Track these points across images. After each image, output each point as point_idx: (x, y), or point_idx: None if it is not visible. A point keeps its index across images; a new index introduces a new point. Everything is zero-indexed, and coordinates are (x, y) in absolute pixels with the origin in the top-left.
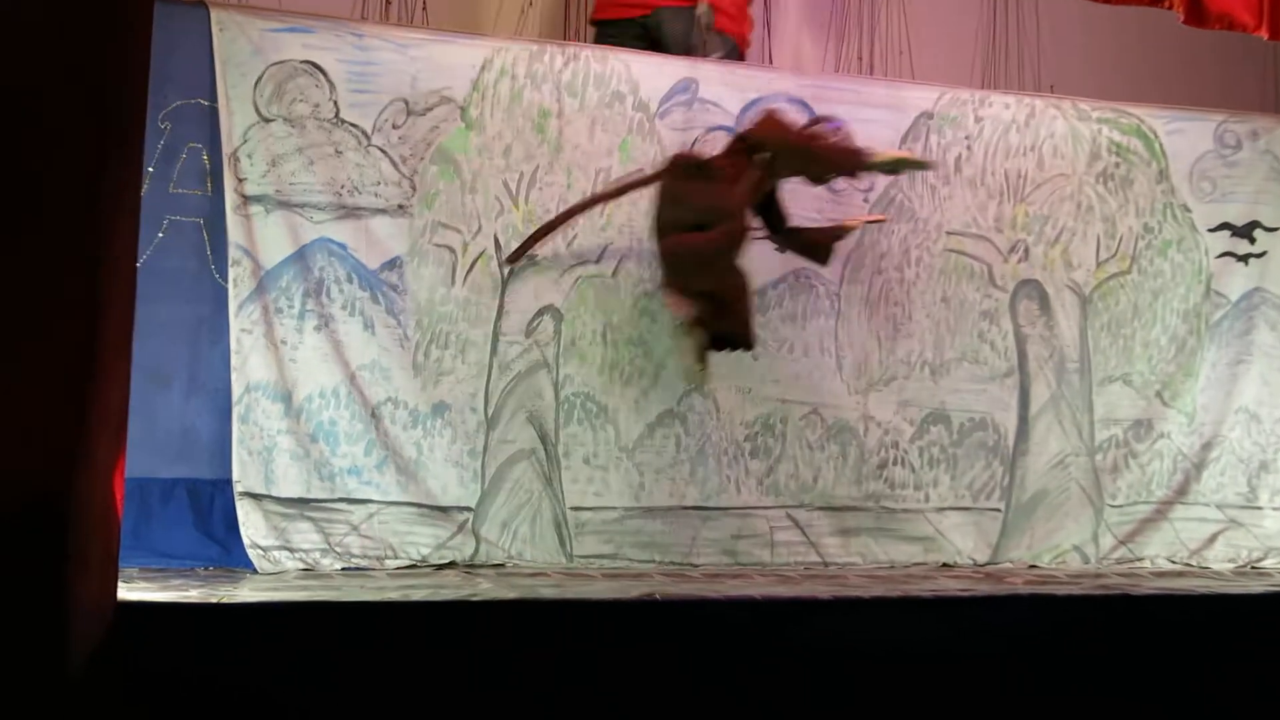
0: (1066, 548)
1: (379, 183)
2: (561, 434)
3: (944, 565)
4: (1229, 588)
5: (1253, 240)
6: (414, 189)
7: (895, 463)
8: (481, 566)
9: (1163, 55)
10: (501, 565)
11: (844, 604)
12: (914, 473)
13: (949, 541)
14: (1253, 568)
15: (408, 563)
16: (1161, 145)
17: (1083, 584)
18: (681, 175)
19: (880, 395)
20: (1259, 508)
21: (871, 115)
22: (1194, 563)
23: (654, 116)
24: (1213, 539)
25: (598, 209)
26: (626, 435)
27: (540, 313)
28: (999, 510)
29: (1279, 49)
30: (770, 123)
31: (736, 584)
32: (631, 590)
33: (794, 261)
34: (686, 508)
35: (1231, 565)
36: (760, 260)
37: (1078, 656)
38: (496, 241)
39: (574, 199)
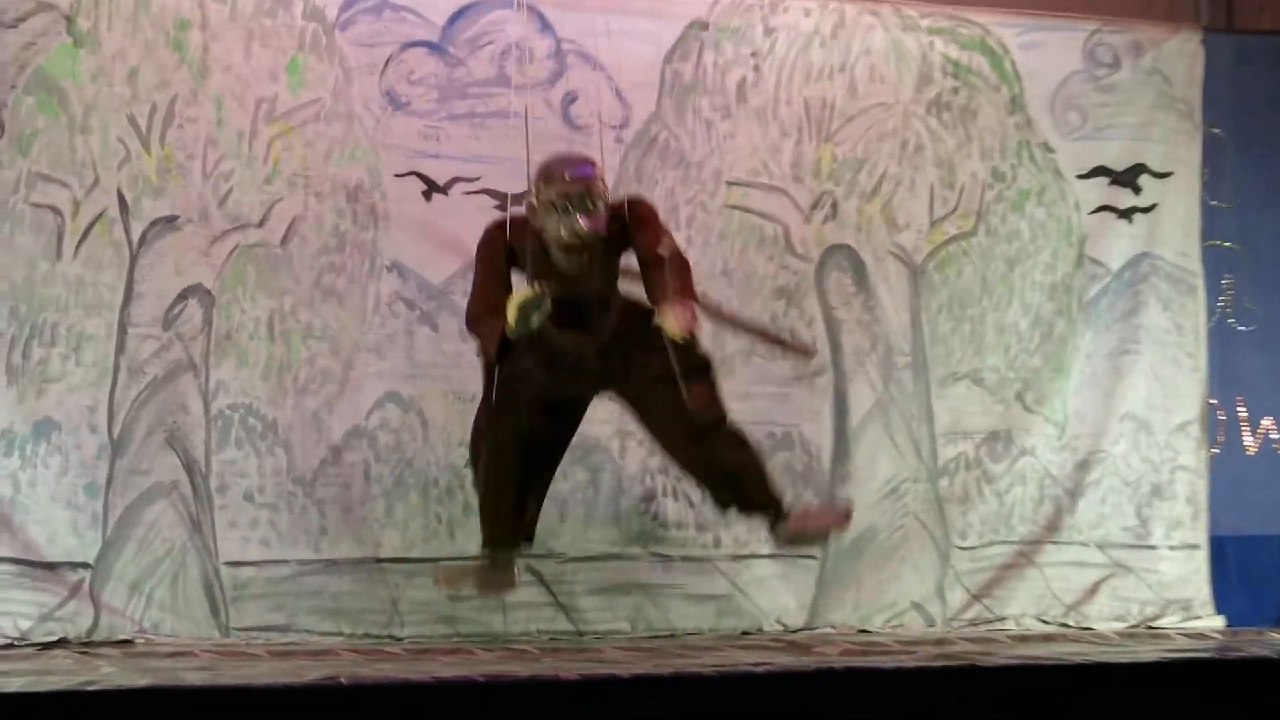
0: (904, 606)
1: None
2: (214, 461)
3: (744, 633)
4: (1113, 655)
5: (1137, 190)
6: (2, 128)
7: (666, 493)
8: (103, 644)
9: None
10: (130, 642)
11: (592, 685)
12: (693, 507)
13: (750, 600)
14: (1147, 627)
15: (2, 641)
16: (1014, 64)
17: (918, 654)
18: None
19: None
20: (1152, 547)
21: (628, 26)
22: (1070, 621)
23: (332, 28)
24: (1094, 590)
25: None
26: (304, 462)
27: (183, 295)
28: (815, 558)
29: None
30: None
31: (452, 662)
32: (308, 673)
33: None
34: (383, 560)
35: (1119, 624)
36: None
37: None
38: (121, 199)
39: (225, 138)
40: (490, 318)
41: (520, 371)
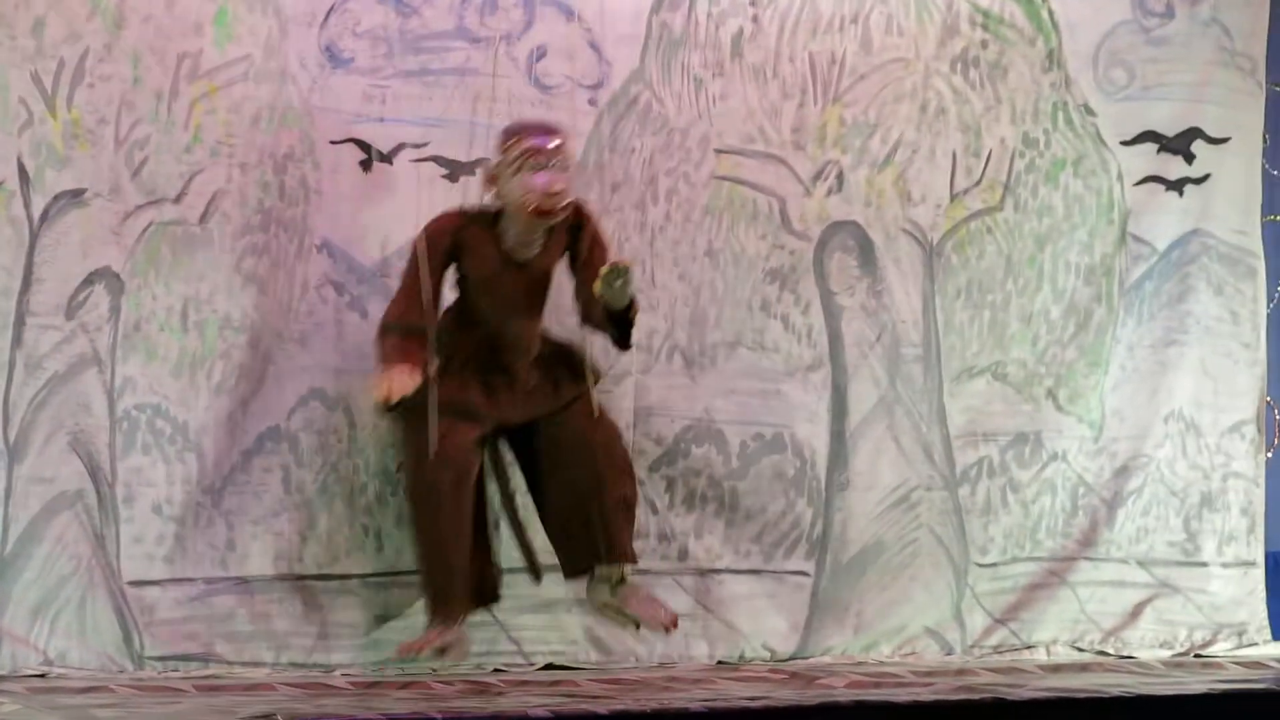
0: (916, 631)
1: None
2: (120, 468)
3: (720, 662)
4: (1158, 686)
5: (1190, 158)
6: None
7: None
8: (6, 679)
9: None
10: (42, 676)
11: None
12: (657, 515)
13: (729, 624)
14: (1195, 655)
15: None
16: (1052, 13)
17: (936, 686)
18: None
19: (604, 400)
20: (1203, 564)
21: None
22: (1109, 649)
23: None
24: (1135, 613)
25: None
26: (214, 469)
27: (89, 280)
28: (807, 575)
29: None
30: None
31: (406, 697)
32: (240, 709)
33: None
34: (305, 576)
35: (1164, 652)
36: None
37: None
38: (21, 169)
39: (142, 100)
40: (406, 339)
41: (458, 403)
